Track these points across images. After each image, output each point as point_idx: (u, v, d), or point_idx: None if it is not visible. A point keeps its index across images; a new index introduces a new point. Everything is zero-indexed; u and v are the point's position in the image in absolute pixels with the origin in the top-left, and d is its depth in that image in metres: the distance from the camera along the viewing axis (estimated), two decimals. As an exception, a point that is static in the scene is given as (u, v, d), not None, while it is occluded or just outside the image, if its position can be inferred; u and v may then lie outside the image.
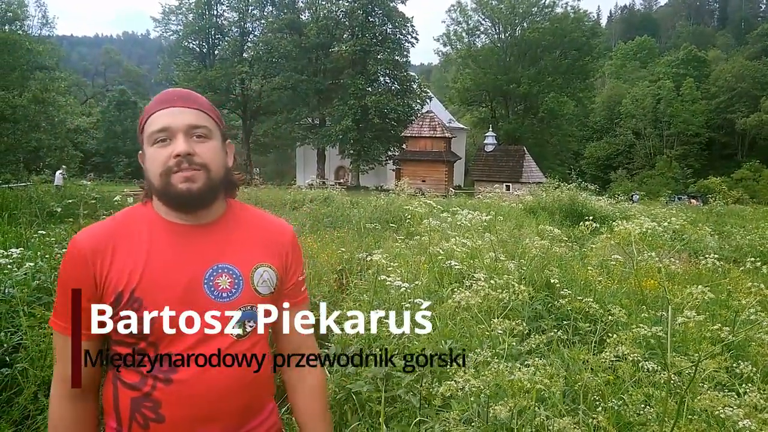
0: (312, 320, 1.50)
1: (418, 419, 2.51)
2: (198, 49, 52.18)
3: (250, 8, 50.88)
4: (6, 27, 31.92)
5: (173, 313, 1.25)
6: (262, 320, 1.37)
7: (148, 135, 1.30)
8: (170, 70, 53.56)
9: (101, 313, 1.26)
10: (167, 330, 1.25)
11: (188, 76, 48.07)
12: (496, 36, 57.40)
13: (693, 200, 35.30)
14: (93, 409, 1.36)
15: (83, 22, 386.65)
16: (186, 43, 51.67)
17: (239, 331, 1.33)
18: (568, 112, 53.62)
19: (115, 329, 1.26)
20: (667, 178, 54.85)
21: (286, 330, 1.48)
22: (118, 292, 1.25)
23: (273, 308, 1.39)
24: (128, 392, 1.28)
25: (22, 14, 33.43)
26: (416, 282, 4.26)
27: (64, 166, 24.67)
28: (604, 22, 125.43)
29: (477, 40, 58.97)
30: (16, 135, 28.81)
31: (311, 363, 1.51)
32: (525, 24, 54.57)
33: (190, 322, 1.27)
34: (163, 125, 1.28)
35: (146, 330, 1.24)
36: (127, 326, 1.25)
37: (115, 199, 9.25)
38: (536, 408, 1.86)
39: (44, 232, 5.58)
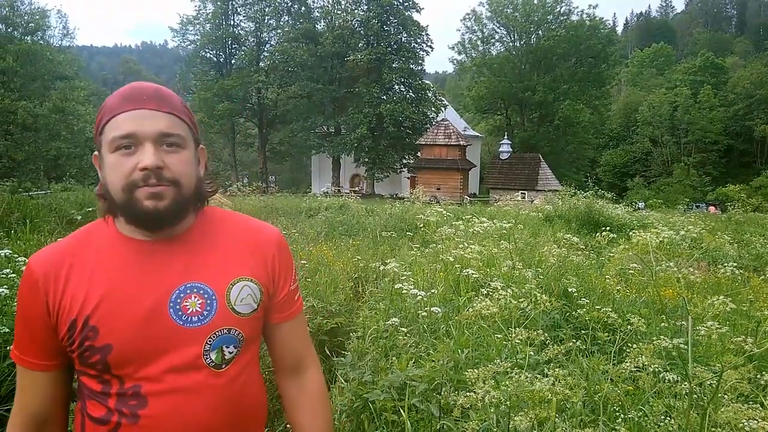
0: (306, 328, 1.40)
1: (437, 428, 2.50)
2: (215, 59, 52.73)
3: (267, 18, 51.36)
4: (28, 38, 32.55)
5: (134, 342, 1.10)
6: (243, 344, 1.21)
7: (109, 139, 1.11)
8: (188, 80, 54.16)
9: (60, 342, 1.14)
10: (129, 361, 1.11)
11: (205, 85, 48.58)
12: (511, 44, 57.34)
13: (712, 208, 34.89)
14: None
15: (102, 33, 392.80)
16: (203, 53, 52.25)
17: (217, 360, 1.16)
18: (584, 119, 53.29)
19: (76, 360, 1.14)
20: (685, 185, 54.28)
21: (282, 344, 1.35)
22: (71, 321, 1.10)
23: (257, 328, 1.26)
24: (95, 426, 1.15)
25: (43, 25, 34.08)
26: (432, 290, 4.25)
27: None
28: (620, 29, 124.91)
29: (492, 48, 59.01)
30: (37, 143, 29.31)
31: (312, 372, 1.39)
32: (540, 32, 54.48)
33: (155, 351, 1.11)
34: (129, 131, 1.09)
35: (105, 360, 1.10)
36: (85, 357, 1.11)
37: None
38: (556, 419, 1.85)
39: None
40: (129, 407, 1.11)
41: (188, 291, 1.15)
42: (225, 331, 1.17)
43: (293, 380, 1.38)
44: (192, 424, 1.13)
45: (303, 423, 1.35)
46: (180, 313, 1.13)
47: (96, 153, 1.18)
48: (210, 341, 1.15)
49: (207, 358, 1.15)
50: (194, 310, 1.14)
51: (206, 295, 1.16)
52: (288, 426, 1.52)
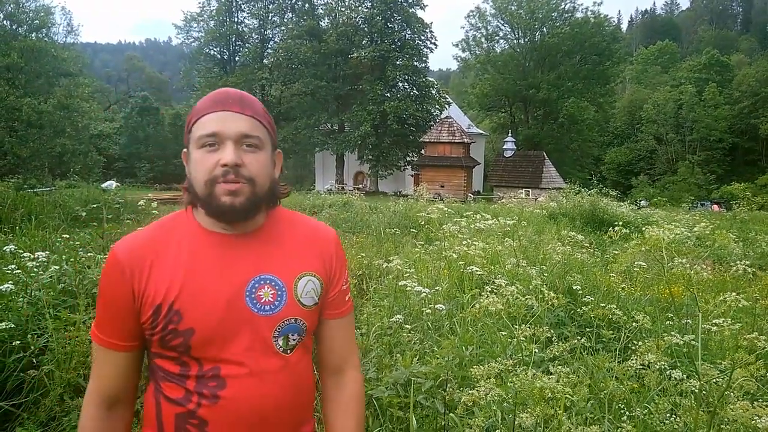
0: (354, 331, 1.48)
1: (441, 425, 2.49)
2: (219, 56, 52.77)
3: (271, 15, 51.34)
4: (33, 35, 32.59)
5: (215, 327, 1.20)
6: (305, 333, 1.32)
7: (196, 137, 1.23)
8: (192, 77, 54.23)
9: (140, 325, 1.23)
10: (209, 344, 1.20)
11: (209, 82, 48.63)
12: (515, 41, 57.22)
13: (716, 206, 34.76)
14: (126, 420, 1.32)
15: (107, 30, 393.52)
16: (207, 50, 52.30)
17: (284, 346, 1.27)
18: (588, 117, 53.14)
19: (155, 342, 1.22)
20: (690, 184, 54.09)
21: (329, 341, 1.43)
22: (156, 306, 1.19)
23: (316, 320, 1.36)
24: (172, 407, 1.23)
25: (48, 22, 34.11)
26: (436, 287, 4.25)
27: (115, 179, 25.15)
28: (624, 26, 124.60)
29: (496, 45, 58.89)
30: (42, 140, 29.35)
31: (352, 374, 1.45)
32: (545, 29, 54.33)
33: (233, 335, 1.21)
34: (214, 130, 1.20)
35: (187, 343, 1.19)
36: (167, 339, 1.20)
37: (139, 203, 9.37)
38: (561, 416, 1.84)
39: (68, 236, 5.65)
40: (209, 388, 1.20)
41: (262, 282, 1.25)
42: (292, 320, 1.27)
43: (334, 379, 1.44)
44: (264, 405, 1.23)
45: (336, 422, 1.41)
46: (255, 301, 1.23)
47: (185, 150, 1.29)
48: (279, 328, 1.25)
49: (276, 344, 1.25)
50: (267, 299, 1.24)
51: (277, 287, 1.26)
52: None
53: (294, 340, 1.29)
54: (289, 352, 1.28)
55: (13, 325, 2.85)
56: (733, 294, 1.47)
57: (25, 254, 4.01)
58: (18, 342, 2.79)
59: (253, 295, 1.23)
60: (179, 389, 1.22)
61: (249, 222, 1.27)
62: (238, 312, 1.21)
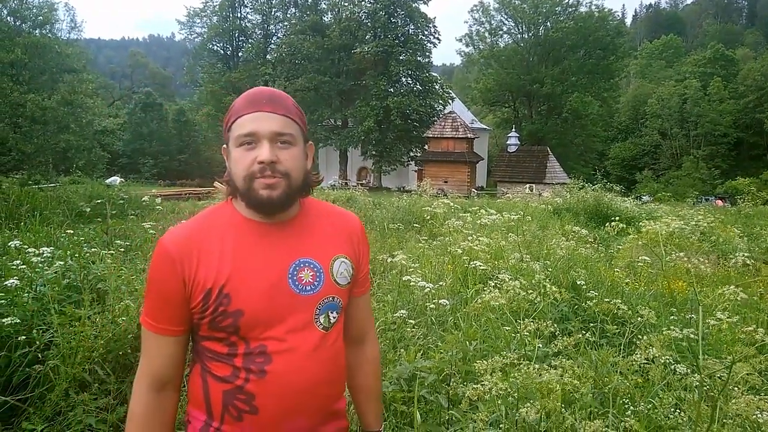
0: (371, 306, 1.64)
1: (445, 420, 2.50)
2: (222, 51, 52.81)
3: (274, 10, 51.34)
4: (37, 31, 32.62)
5: (262, 307, 1.30)
6: (342, 310, 1.45)
7: (235, 136, 1.33)
8: (195, 72, 54.26)
9: (190, 311, 1.33)
10: (257, 324, 1.30)
11: (213, 77, 48.70)
12: (519, 36, 57.03)
13: (720, 201, 34.62)
14: (174, 401, 1.41)
15: (110, 26, 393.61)
16: (210, 46, 52.36)
17: (324, 323, 1.39)
18: (592, 112, 52.93)
19: (205, 325, 1.33)
20: (694, 178, 53.83)
21: (354, 315, 1.57)
22: (206, 290, 1.30)
23: (347, 298, 1.48)
24: (220, 385, 1.33)
25: (52, 18, 34.14)
26: (440, 283, 4.25)
27: (119, 175, 25.19)
28: (629, 21, 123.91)
29: (500, 40, 58.69)
30: (46, 136, 29.38)
31: (372, 343, 1.65)
32: (548, 23, 54.13)
33: (278, 315, 1.32)
34: (250, 130, 1.31)
35: (236, 324, 1.29)
36: (217, 321, 1.30)
37: (143, 199, 9.39)
38: (564, 411, 1.84)
39: (72, 232, 5.68)
40: (256, 364, 1.31)
41: (302, 265, 1.37)
42: (330, 299, 1.40)
43: (355, 347, 1.61)
44: (308, 379, 1.34)
45: (363, 384, 1.62)
46: (297, 283, 1.35)
47: (224, 146, 1.40)
48: (320, 307, 1.38)
49: (317, 322, 1.37)
50: (307, 280, 1.36)
51: (315, 269, 1.38)
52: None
53: (333, 317, 1.42)
54: (329, 329, 1.40)
55: (18, 321, 2.87)
56: (732, 287, 1.47)
57: (30, 250, 4.03)
58: (24, 337, 2.81)
59: (295, 277, 1.35)
60: (227, 367, 1.32)
61: (285, 212, 1.39)
62: (283, 293, 1.33)
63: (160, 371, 1.36)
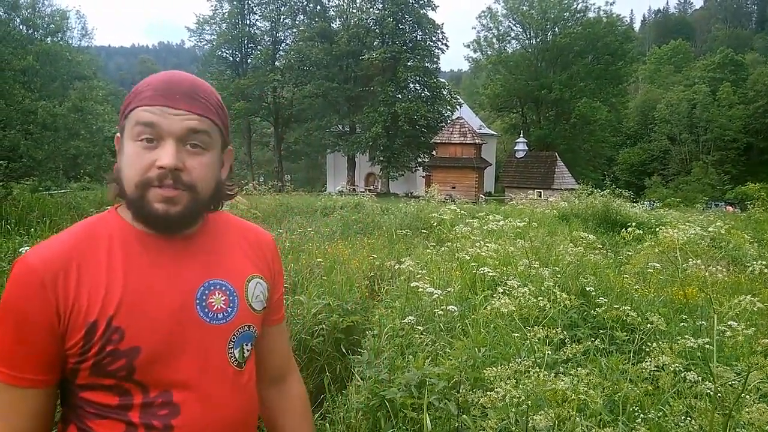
0: (288, 337, 1.37)
1: (455, 427, 2.49)
2: (231, 58, 53.04)
3: (282, 17, 51.55)
4: (48, 39, 32.96)
5: (163, 342, 1.01)
6: (254, 342, 1.19)
7: (131, 125, 1.03)
8: (204, 79, 54.24)
9: (65, 351, 0.99)
10: (156, 364, 1.01)
11: (222, 84, 48.86)
12: (527, 41, 57.04)
13: (729, 207, 34.37)
14: None
15: (120, 33, 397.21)
16: (219, 52, 52.59)
17: (239, 358, 1.12)
18: (601, 117, 52.81)
19: (86, 371, 1.00)
20: (704, 184, 53.55)
21: (271, 348, 1.31)
22: (90, 323, 0.97)
23: (261, 327, 1.22)
24: None
25: (63, 26, 34.51)
26: (448, 289, 4.24)
27: None
28: (637, 26, 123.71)
29: (508, 45, 58.79)
30: (56, 142, 29.61)
31: (295, 379, 1.38)
32: (556, 29, 54.13)
33: (183, 351, 1.03)
34: (152, 120, 1.01)
35: (131, 366, 0.99)
36: (104, 364, 0.98)
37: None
38: (576, 418, 1.83)
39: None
40: (160, 418, 1.01)
41: (212, 287, 1.09)
42: (245, 327, 1.13)
43: (276, 387, 1.35)
44: (224, 428, 1.09)
45: (289, 427, 1.32)
46: (206, 309, 1.07)
47: (118, 135, 1.10)
48: (234, 339, 1.11)
49: (231, 357, 1.10)
50: (219, 306, 1.09)
51: (228, 292, 1.11)
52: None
53: (248, 351, 1.15)
54: (243, 365, 1.14)
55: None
56: (748, 297, 1.45)
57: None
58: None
59: (204, 303, 1.07)
60: (118, 425, 1.00)
61: (184, 230, 1.11)
62: (189, 323, 1.05)
63: None
